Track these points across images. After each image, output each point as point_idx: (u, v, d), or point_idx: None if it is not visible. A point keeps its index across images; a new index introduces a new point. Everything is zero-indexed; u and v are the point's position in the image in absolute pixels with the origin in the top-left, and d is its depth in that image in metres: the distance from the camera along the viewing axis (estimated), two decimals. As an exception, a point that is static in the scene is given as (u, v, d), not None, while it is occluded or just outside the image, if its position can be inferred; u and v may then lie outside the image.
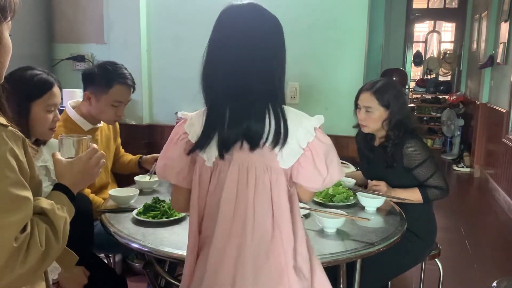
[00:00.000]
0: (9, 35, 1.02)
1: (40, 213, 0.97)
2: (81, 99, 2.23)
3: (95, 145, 1.22)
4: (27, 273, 0.90)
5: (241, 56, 1.16)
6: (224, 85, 1.17)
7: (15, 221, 0.87)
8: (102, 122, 2.26)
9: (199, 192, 1.22)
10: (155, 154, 2.35)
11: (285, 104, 1.21)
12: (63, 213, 1.02)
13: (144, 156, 2.42)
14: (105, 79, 2.11)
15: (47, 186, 1.66)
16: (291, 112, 1.19)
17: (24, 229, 0.90)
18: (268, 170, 1.16)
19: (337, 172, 1.20)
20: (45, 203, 0.99)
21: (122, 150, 2.50)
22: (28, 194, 0.92)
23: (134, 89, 2.21)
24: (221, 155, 1.16)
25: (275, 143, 1.14)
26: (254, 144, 1.15)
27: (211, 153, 1.18)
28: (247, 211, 1.16)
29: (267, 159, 1.16)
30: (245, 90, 1.16)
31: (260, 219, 1.17)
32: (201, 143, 1.18)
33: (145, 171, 2.28)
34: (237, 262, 1.16)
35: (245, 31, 1.17)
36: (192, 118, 1.23)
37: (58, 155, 1.19)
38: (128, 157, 2.49)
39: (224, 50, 1.17)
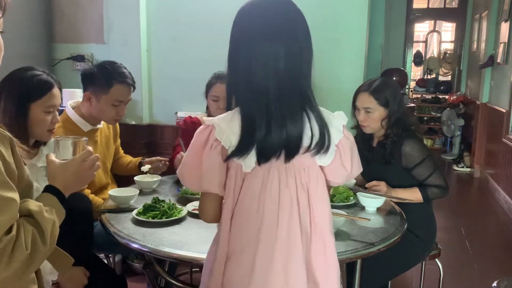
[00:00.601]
0: (1, 32, 1.00)
1: (28, 215, 0.95)
2: (81, 100, 2.22)
3: (90, 148, 1.19)
4: (12, 276, 0.88)
5: (276, 54, 1.09)
6: (260, 87, 1.10)
7: (1, 221, 0.85)
8: (102, 123, 2.26)
9: (233, 197, 1.15)
10: (155, 158, 2.35)
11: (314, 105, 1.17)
12: (52, 216, 0.99)
13: (146, 159, 2.42)
14: (105, 78, 2.11)
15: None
16: (323, 112, 1.18)
17: (9, 231, 0.87)
18: (307, 170, 1.16)
19: (357, 168, 1.22)
20: (33, 205, 0.97)
21: (121, 151, 2.50)
22: (14, 195, 0.89)
23: (134, 88, 2.21)
24: (260, 164, 1.12)
25: (318, 150, 1.13)
26: (293, 153, 1.12)
27: (250, 159, 1.11)
28: (292, 211, 1.14)
29: (306, 160, 1.15)
30: (281, 96, 1.10)
31: (303, 218, 1.15)
32: (240, 151, 1.10)
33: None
34: (286, 264, 1.14)
35: (279, 27, 1.10)
36: (219, 124, 1.13)
37: (52, 156, 1.17)
38: (128, 158, 2.48)
39: (256, 48, 1.09)
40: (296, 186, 1.15)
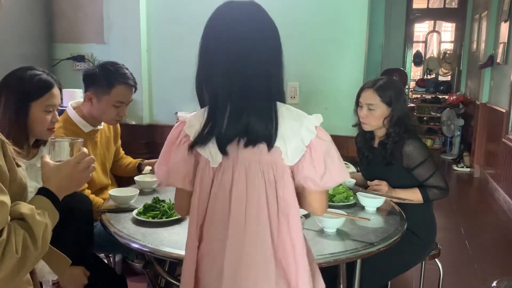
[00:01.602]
0: None
1: (20, 219, 0.94)
2: (82, 100, 2.22)
3: (85, 149, 1.19)
4: (2, 280, 0.87)
5: (239, 55, 1.15)
6: (221, 86, 1.16)
7: None
8: (102, 124, 2.26)
9: (199, 195, 1.19)
10: (154, 160, 2.35)
11: (284, 102, 1.20)
12: (44, 219, 0.98)
13: (145, 161, 2.42)
14: (107, 79, 2.11)
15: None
16: (292, 111, 1.19)
17: (0, 234, 0.87)
18: (273, 167, 1.16)
19: (337, 170, 1.17)
20: (25, 208, 0.96)
21: (122, 152, 2.50)
22: (5, 198, 0.88)
23: (135, 89, 2.20)
24: (222, 151, 1.15)
25: (268, 140, 1.14)
26: (252, 141, 1.14)
27: (216, 153, 1.16)
28: (259, 210, 1.16)
29: (273, 157, 1.15)
30: (244, 90, 1.15)
31: (272, 215, 1.16)
32: (201, 139, 1.16)
33: None
34: (256, 265, 1.15)
35: (243, 30, 1.16)
36: (190, 120, 1.21)
37: (47, 158, 1.16)
38: (128, 159, 2.48)
39: (219, 50, 1.16)
40: (264, 183, 1.16)
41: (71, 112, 2.17)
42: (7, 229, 0.88)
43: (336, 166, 1.17)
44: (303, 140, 1.15)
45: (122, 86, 2.13)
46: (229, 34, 1.16)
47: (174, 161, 1.20)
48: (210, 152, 1.16)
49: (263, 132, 1.14)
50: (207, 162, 1.18)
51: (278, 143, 1.14)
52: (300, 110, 1.21)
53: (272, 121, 1.15)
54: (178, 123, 1.24)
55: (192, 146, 1.17)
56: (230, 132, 1.14)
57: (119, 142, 2.46)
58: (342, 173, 1.19)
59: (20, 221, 0.93)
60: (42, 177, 1.13)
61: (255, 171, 1.16)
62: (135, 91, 2.21)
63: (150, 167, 2.28)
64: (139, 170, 2.38)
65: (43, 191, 1.07)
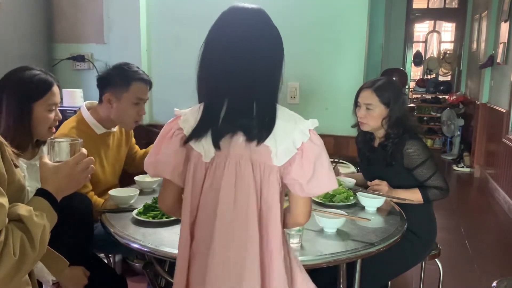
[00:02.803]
0: None
1: (17, 220, 0.93)
2: (96, 101, 2.21)
3: (84, 150, 1.18)
4: (1, 282, 0.87)
5: (241, 54, 1.16)
6: (221, 84, 1.17)
7: None
8: (116, 128, 2.25)
9: (192, 190, 1.20)
10: None
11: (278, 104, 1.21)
12: (42, 221, 0.98)
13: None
14: (124, 78, 2.11)
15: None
16: (287, 113, 1.20)
17: None
18: (262, 167, 1.16)
19: (325, 177, 1.16)
20: (22, 209, 0.95)
21: (136, 147, 2.48)
22: (2, 200, 0.88)
23: (151, 86, 2.21)
24: (216, 146, 1.16)
25: (260, 137, 1.14)
26: (246, 138, 1.15)
27: (209, 148, 1.17)
28: (247, 208, 1.16)
29: (262, 155, 1.16)
30: (243, 88, 1.16)
31: (250, 216, 1.16)
32: (196, 133, 1.17)
33: None
34: (239, 265, 1.16)
35: (247, 31, 1.17)
36: (186, 114, 1.23)
37: (45, 159, 1.15)
38: (141, 152, 2.47)
39: (223, 50, 1.17)
40: (254, 181, 1.16)
41: (85, 113, 2.16)
42: (4, 231, 0.88)
43: (325, 173, 1.17)
44: (295, 142, 1.15)
45: (139, 83, 2.14)
46: (233, 34, 1.17)
47: (165, 153, 1.21)
48: (204, 146, 1.17)
49: (258, 131, 1.14)
50: (199, 157, 1.18)
51: (269, 142, 1.15)
52: (296, 113, 1.21)
53: (269, 121, 1.15)
54: (174, 117, 1.25)
55: (187, 140, 1.18)
56: (225, 127, 1.15)
57: (133, 140, 2.44)
58: (331, 182, 1.18)
59: (18, 223, 0.93)
60: (40, 178, 1.13)
61: (245, 167, 1.16)
62: (150, 89, 2.21)
63: None
64: None
65: (41, 192, 1.07)
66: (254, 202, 1.16)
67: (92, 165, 1.19)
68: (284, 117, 1.18)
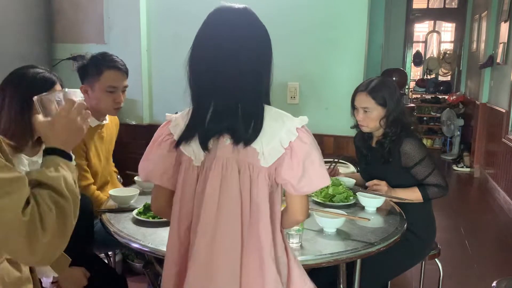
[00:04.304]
0: None
1: (37, 184, 0.96)
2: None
3: (72, 98, 1.15)
4: (56, 238, 0.92)
5: (226, 54, 1.16)
6: (207, 85, 1.17)
7: (14, 200, 0.88)
8: (107, 118, 2.27)
9: (182, 195, 1.20)
10: None
11: (269, 104, 1.21)
12: (58, 173, 1.00)
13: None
14: (95, 66, 2.13)
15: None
16: (275, 112, 1.19)
17: (27, 203, 0.90)
18: (250, 168, 1.16)
19: (317, 175, 1.16)
20: (35, 173, 0.99)
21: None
22: (17, 173, 0.91)
23: (127, 74, 2.20)
24: (204, 148, 1.16)
25: (248, 141, 1.14)
26: (232, 140, 1.15)
27: (198, 151, 1.17)
28: (230, 211, 1.16)
29: (249, 157, 1.15)
30: (228, 88, 1.16)
31: (233, 218, 1.16)
32: (185, 137, 1.18)
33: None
34: (229, 268, 1.16)
35: (232, 31, 1.17)
36: (176, 119, 1.23)
37: (39, 118, 1.13)
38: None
39: (208, 51, 1.17)
40: (239, 184, 1.16)
41: None
42: (32, 196, 0.92)
43: (316, 170, 1.16)
44: (282, 142, 1.15)
45: (111, 71, 2.14)
46: (218, 35, 1.17)
47: (154, 158, 1.24)
48: (194, 150, 1.18)
49: (244, 133, 1.14)
50: (190, 162, 1.19)
51: (255, 144, 1.14)
52: (284, 112, 1.20)
53: (256, 123, 1.15)
54: (165, 122, 1.27)
55: (177, 145, 1.20)
56: (212, 129, 1.16)
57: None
58: (323, 179, 1.17)
59: (37, 186, 0.96)
60: (42, 138, 1.13)
61: (231, 169, 1.15)
62: (127, 77, 2.21)
63: None
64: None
65: (48, 151, 1.08)
66: (238, 205, 1.15)
67: (88, 110, 1.16)
68: (272, 116, 1.17)
